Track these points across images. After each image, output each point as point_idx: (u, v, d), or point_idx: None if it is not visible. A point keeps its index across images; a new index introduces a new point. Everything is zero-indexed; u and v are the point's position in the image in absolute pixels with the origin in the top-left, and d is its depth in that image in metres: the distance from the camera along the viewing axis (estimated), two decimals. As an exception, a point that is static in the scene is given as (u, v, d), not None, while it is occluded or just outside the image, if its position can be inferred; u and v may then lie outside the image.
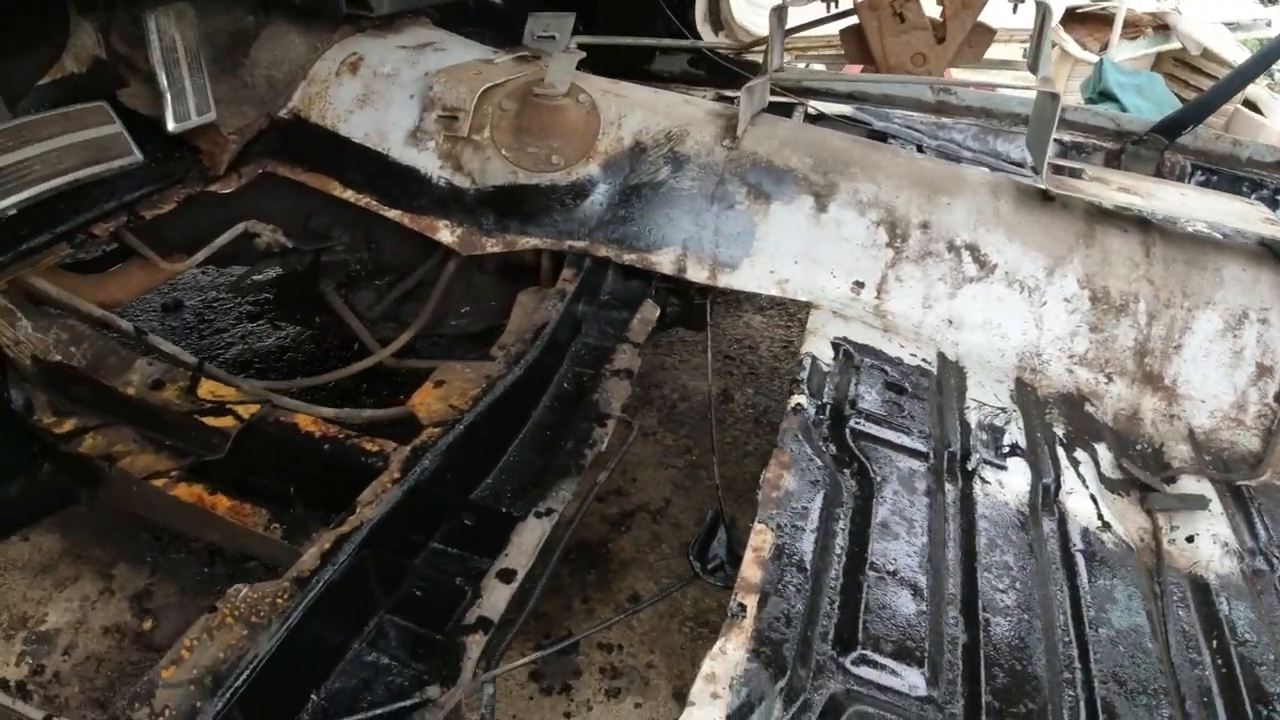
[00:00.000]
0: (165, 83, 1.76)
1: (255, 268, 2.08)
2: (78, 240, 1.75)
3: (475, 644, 1.08)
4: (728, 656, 1.02)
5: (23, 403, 1.65)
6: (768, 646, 1.04)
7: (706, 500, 2.16)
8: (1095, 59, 5.92)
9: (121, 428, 1.55)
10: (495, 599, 1.13)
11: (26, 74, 1.81)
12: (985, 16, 1.92)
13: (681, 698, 1.74)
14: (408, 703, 1.08)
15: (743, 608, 1.07)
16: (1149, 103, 5.38)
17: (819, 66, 2.97)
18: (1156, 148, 2.42)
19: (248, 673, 1.06)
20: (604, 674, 1.78)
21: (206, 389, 1.53)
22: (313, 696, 1.18)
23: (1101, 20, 6.42)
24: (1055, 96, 1.70)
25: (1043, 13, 1.89)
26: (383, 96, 1.90)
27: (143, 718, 1.00)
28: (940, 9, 1.86)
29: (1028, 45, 1.99)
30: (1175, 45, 6.35)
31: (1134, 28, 6.37)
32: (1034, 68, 1.88)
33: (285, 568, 1.19)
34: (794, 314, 2.95)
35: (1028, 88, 1.87)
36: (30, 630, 1.89)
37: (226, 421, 1.47)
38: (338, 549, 1.18)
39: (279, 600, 1.13)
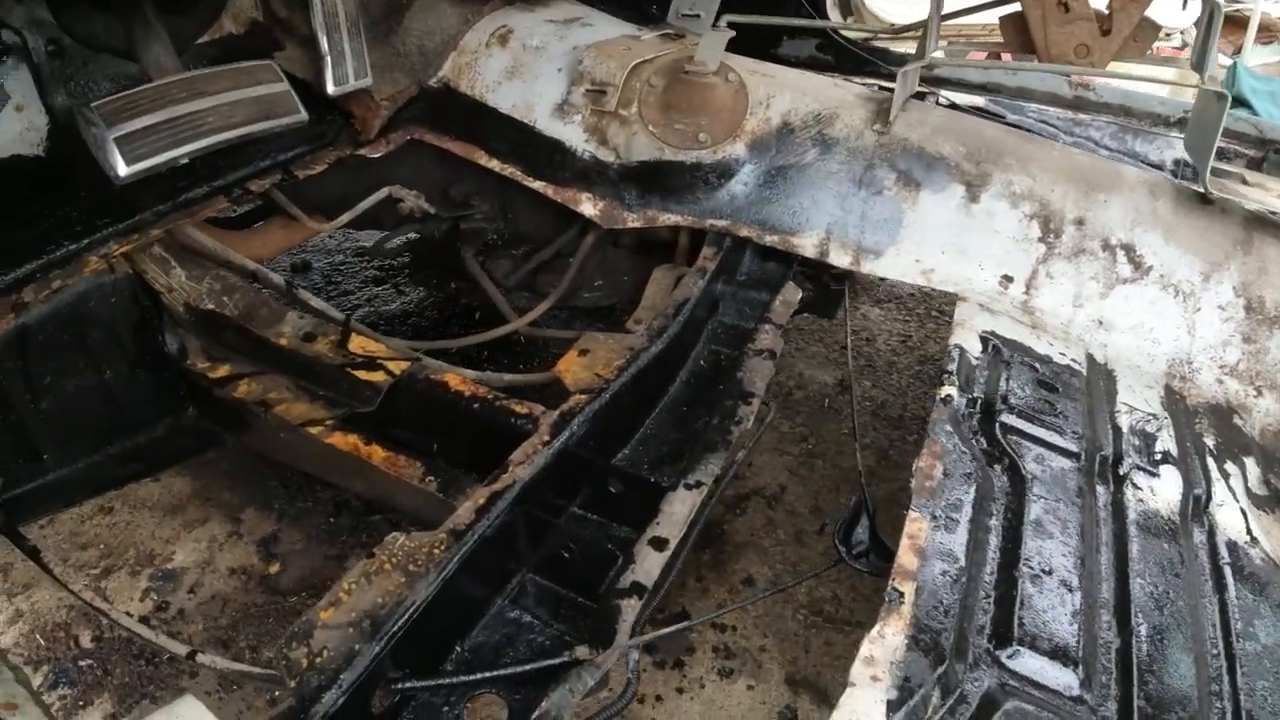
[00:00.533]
0: (326, 46, 1.81)
1: (393, 232, 2.13)
2: (235, 195, 1.81)
3: (630, 608, 1.09)
4: (886, 641, 1.01)
5: (177, 347, 1.72)
6: (925, 635, 1.03)
7: (821, 490, 2.14)
8: (1228, 62, 5.65)
9: (275, 376, 1.61)
10: (649, 565, 1.14)
11: (187, 32, 1.89)
12: (1152, 12, 1.85)
13: (795, 683, 1.74)
14: (556, 661, 1.09)
15: (900, 594, 1.06)
16: (1283, 110, 5.11)
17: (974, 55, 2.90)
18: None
19: (404, 619, 1.09)
20: (717, 653, 1.78)
21: (357, 344, 1.58)
22: (457, 648, 1.21)
23: (1235, 23, 6.12)
24: (1223, 96, 1.63)
25: (1210, 10, 1.81)
26: (531, 69, 1.92)
27: (300, 658, 1.02)
28: (1107, 1, 1.80)
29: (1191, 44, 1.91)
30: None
31: (1268, 32, 6.06)
32: (1199, 66, 1.80)
33: (425, 523, 1.22)
34: (912, 309, 2.90)
35: (1193, 86, 1.80)
36: (157, 568, 1.96)
37: (377, 376, 1.51)
38: (492, 505, 1.21)
39: (436, 551, 1.16)
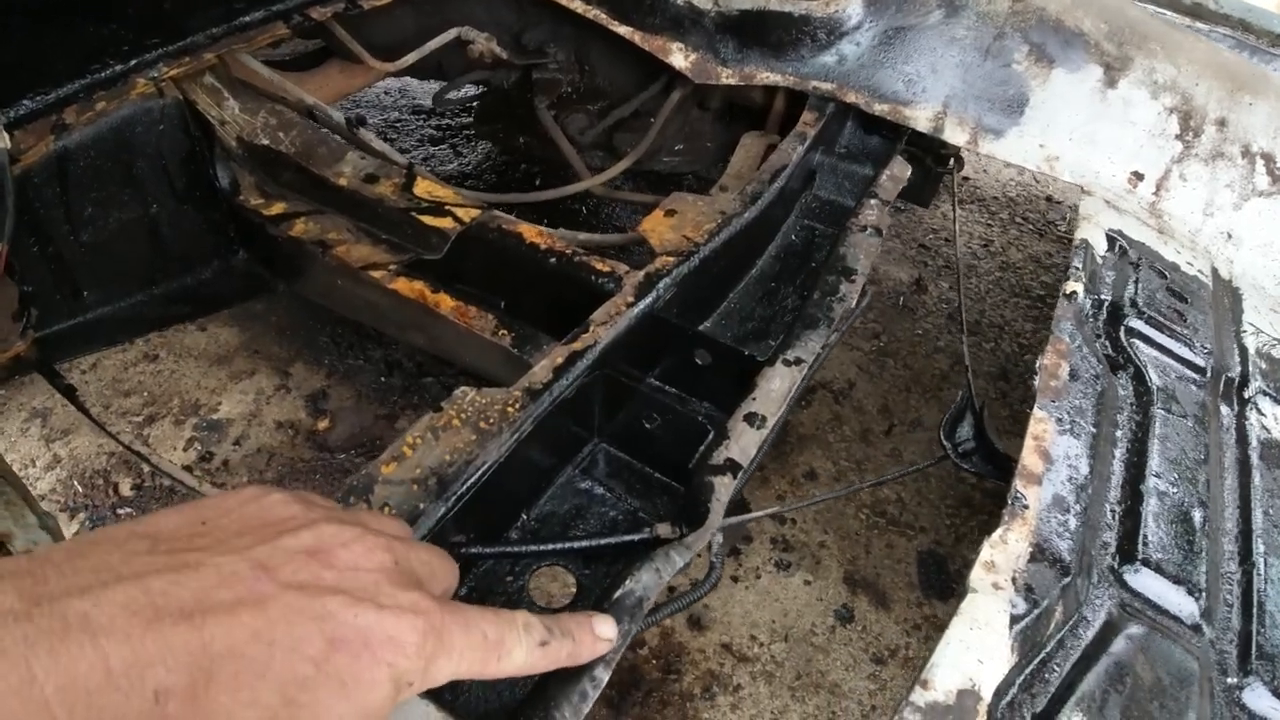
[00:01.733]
0: None
1: (457, 80, 1.97)
2: (295, 21, 1.66)
3: (724, 485, 1.00)
4: (1009, 547, 0.92)
5: (229, 182, 1.61)
6: (1049, 545, 0.93)
7: (891, 389, 2.04)
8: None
9: (335, 216, 1.49)
10: (745, 443, 1.05)
11: None
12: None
13: (853, 582, 1.67)
14: (637, 537, 1.01)
15: (1024, 498, 0.96)
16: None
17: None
18: None
19: (475, 480, 1.00)
20: (775, 545, 1.72)
21: (423, 188, 1.45)
22: (524, 515, 1.14)
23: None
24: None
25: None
26: (624, -100, 1.73)
27: (358, 513, 0.95)
28: None
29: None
30: None
31: None
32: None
33: (493, 381, 1.12)
34: (994, 212, 2.73)
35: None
36: (202, 418, 1.90)
37: (445, 222, 1.39)
38: (571, 364, 1.11)
39: (510, 409, 1.07)
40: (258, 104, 1.60)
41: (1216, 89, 1.54)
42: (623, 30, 1.69)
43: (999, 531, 0.93)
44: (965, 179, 2.78)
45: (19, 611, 0.36)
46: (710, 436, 1.08)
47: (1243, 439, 1.21)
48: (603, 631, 0.65)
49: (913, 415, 1.96)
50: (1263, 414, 1.26)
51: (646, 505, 1.16)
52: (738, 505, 1.76)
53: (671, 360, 1.28)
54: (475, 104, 2.18)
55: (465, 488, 1.00)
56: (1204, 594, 0.99)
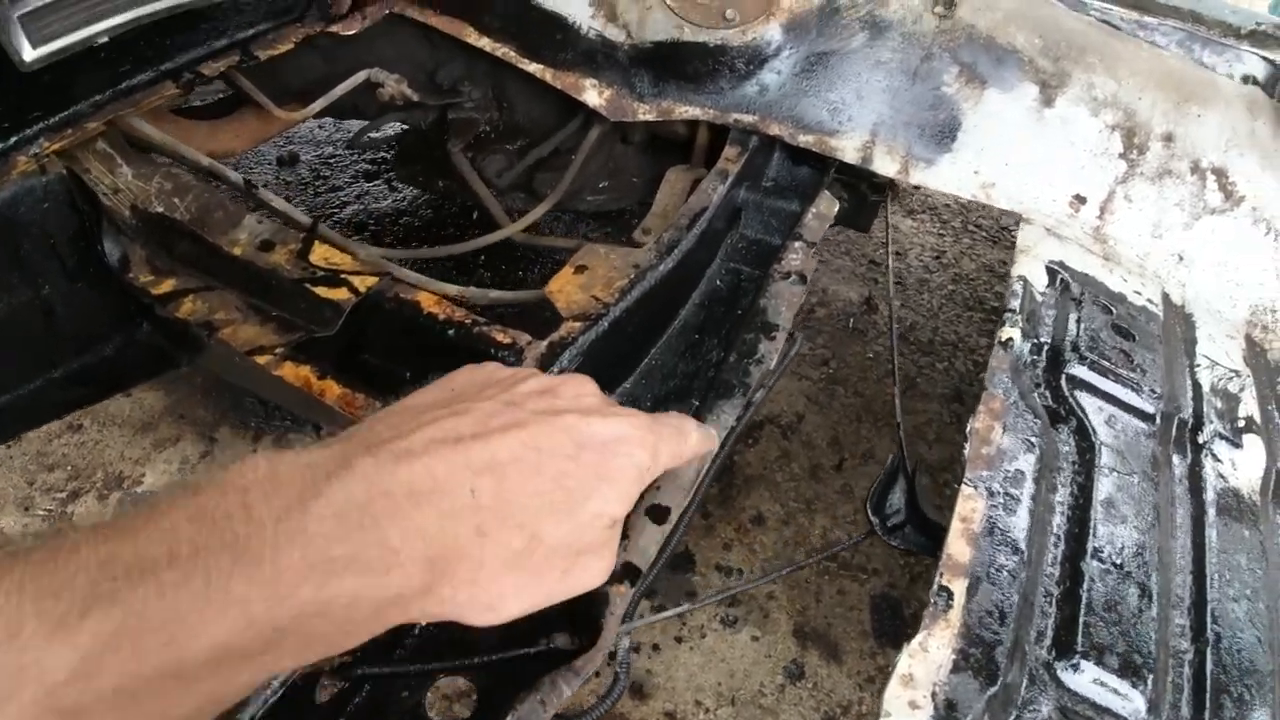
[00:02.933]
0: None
1: (375, 122, 1.88)
2: (185, 80, 1.56)
3: (619, 596, 0.91)
4: (930, 656, 0.83)
5: (119, 257, 1.50)
6: (978, 648, 0.85)
7: (842, 420, 1.95)
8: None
9: (225, 293, 1.40)
10: (645, 542, 0.96)
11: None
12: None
13: (803, 635, 1.59)
14: (533, 649, 0.92)
15: (949, 594, 0.87)
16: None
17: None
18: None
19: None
20: (721, 600, 1.63)
21: (320, 254, 1.36)
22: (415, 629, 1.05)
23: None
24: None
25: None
26: (530, -72, 1.63)
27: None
28: None
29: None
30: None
31: None
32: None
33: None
34: (947, 220, 2.65)
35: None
36: (126, 491, 1.83)
37: (340, 293, 1.30)
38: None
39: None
40: (152, 169, 1.50)
41: (1161, 101, 1.46)
42: (533, 68, 1.59)
43: (919, 638, 0.84)
44: (916, 187, 2.68)
45: (363, 452, 0.52)
46: (610, 534, 0.98)
47: (1196, 491, 1.12)
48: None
49: (864, 447, 1.87)
50: (1219, 459, 1.17)
51: (555, 605, 1.07)
52: (681, 557, 1.68)
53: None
54: (394, 146, 2.08)
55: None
56: (1151, 683, 0.90)
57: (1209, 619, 0.98)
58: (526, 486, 0.56)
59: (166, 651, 0.41)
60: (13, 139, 1.36)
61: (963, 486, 0.97)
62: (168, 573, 0.42)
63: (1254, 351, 1.38)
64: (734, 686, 1.51)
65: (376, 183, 2.59)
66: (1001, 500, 0.98)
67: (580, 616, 0.94)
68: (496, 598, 0.58)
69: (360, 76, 1.74)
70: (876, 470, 1.84)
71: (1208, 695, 0.91)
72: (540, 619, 1.01)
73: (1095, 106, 1.42)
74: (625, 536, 0.97)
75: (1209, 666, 0.94)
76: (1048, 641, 0.91)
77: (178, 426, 1.94)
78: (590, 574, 0.66)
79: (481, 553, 0.54)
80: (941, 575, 0.89)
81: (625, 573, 0.94)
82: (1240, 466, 1.16)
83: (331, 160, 2.71)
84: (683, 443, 0.72)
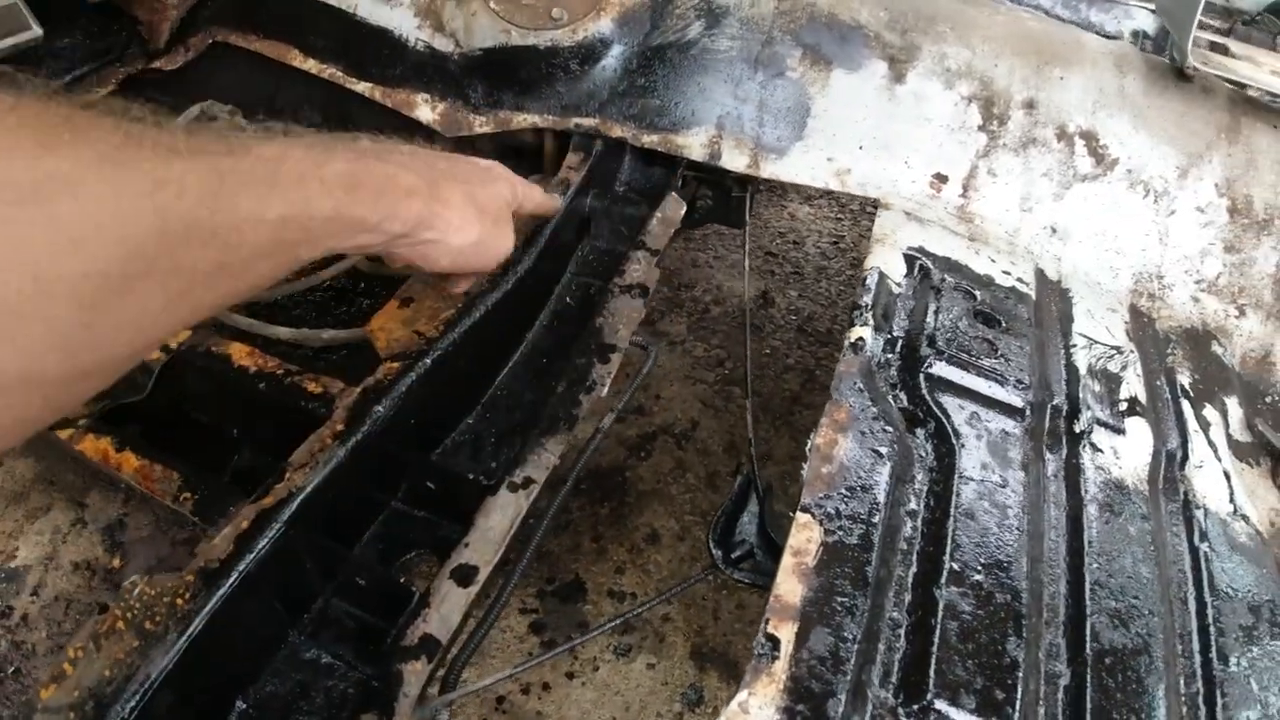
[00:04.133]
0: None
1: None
2: None
3: (414, 674, 0.82)
4: (750, 718, 0.74)
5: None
6: (807, 703, 0.76)
7: (739, 423, 1.87)
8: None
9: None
10: (447, 609, 0.87)
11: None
12: None
13: (701, 656, 1.51)
14: (338, 736, 0.83)
15: (775, 643, 0.78)
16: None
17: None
18: (1271, 30, 1.96)
19: (138, 697, 0.82)
20: (614, 628, 1.54)
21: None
22: (239, 704, 0.95)
23: None
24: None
25: None
26: (349, -63, 1.52)
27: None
28: None
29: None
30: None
31: None
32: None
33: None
34: (845, 204, 2.57)
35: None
36: (0, 567, 1.74)
37: (152, 354, 1.19)
38: (259, 530, 0.91)
39: (179, 601, 0.88)
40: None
41: (1020, 67, 1.38)
42: (361, 87, 1.49)
43: (739, 698, 0.75)
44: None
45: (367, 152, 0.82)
46: (413, 602, 0.89)
47: (1073, 489, 1.05)
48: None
49: (762, 449, 1.79)
50: (1099, 449, 1.09)
51: (381, 669, 0.97)
52: (571, 585, 1.58)
53: (409, 485, 1.10)
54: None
55: (129, 710, 0.82)
56: (1018, 718, 0.82)
57: (1088, 635, 0.90)
58: (453, 190, 0.90)
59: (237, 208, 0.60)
60: None
61: (798, 514, 0.89)
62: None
63: (1139, 324, 1.31)
64: (629, 720, 1.42)
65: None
66: (842, 524, 0.90)
67: (380, 695, 0.85)
68: (460, 219, 0.90)
69: (194, 110, 1.62)
70: (775, 472, 1.77)
71: (1087, 722, 0.83)
72: (346, 699, 0.93)
73: (949, 78, 1.35)
74: (426, 605, 0.88)
75: (1089, 691, 0.86)
76: (894, 683, 0.83)
77: (48, 494, 1.84)
78: (505, 237, 1.02)
79: (452, 191, 0.89)
80: (767, 621, 0.80)
81: (423, 646, 0.84)
82: (1124, 454, 1.09)
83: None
84: (533, 191, 1.11)
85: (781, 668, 0.77)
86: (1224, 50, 1.51)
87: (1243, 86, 1.41)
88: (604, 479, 1.75)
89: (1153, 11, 1.67)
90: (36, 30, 1.34)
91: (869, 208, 2.57)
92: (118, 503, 1.81)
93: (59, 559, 1.74)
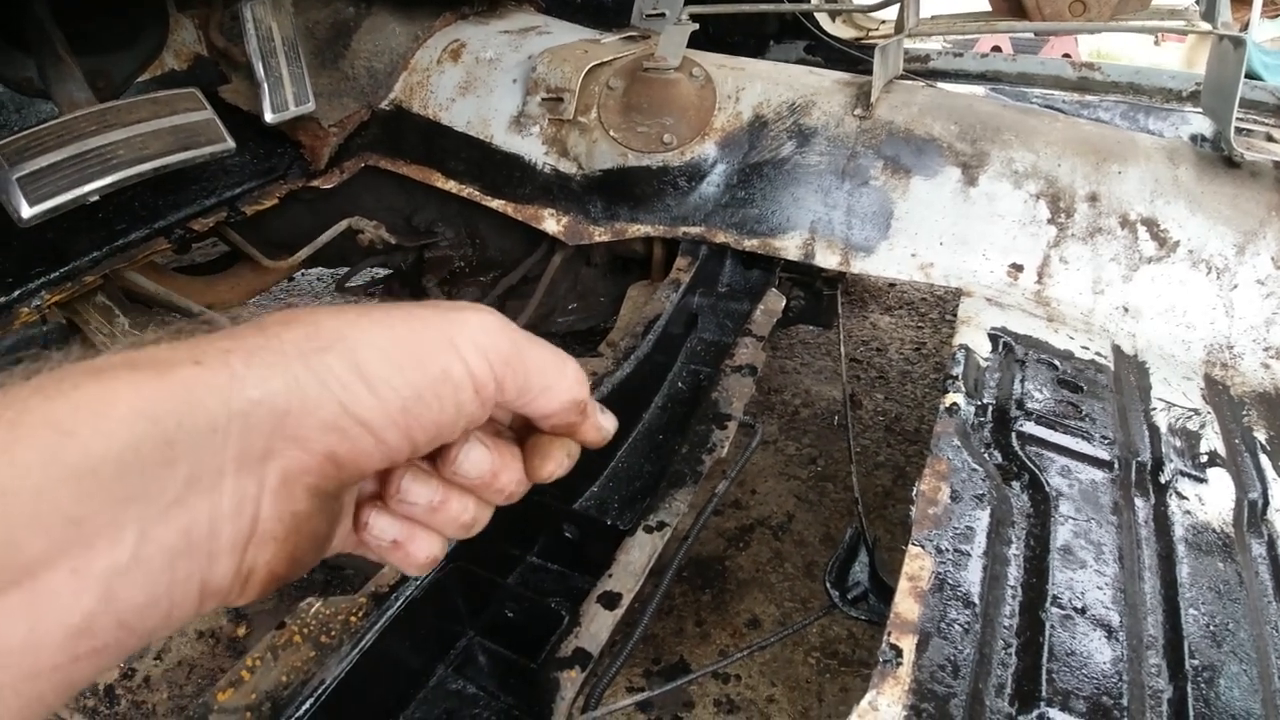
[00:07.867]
0: (262, 73, 1.69)
1: (357, 267, 1.99)
2: (176, 236, 1.69)
3: (570, 681, 0.92)
4: (880, 715, 0.82)
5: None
6: (930, 702, 0.84)
7: (833, 516, 1.95)
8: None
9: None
10: (596, 628, 0.97)
11: (127, 70, 1.78)
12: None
13: (808, 738, 1.54)
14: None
15: (898, 652, 0.87)
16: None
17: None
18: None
19: (312, 700, 0.93)
20: (719, 707, 1.59)
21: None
22: (394, 728, 1.05)
23: (1239, -1, 5.84)
24: (1240, 41, 1.45)
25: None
26: (484, 82, 1.78)
27: (193, 746, 0.87)
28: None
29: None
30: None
31: (1272, 6, 5.77)
32: (1209, 15, 1.62)
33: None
34: (924, 313, 2.71)
35: (1203, 32, 1.62)
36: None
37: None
38: (424, 564, 1.04)
39: (353, 619, 1.01)
40: (148, 317, 1.61)
41: (1081, 165, 1.53)
42: (495, 204, 1.71)
43: (868, 697, 0.83)
44: (891, 285, 2.78)
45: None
46: (564, 623, 1.00)
47: (1163, 531, 1.12)
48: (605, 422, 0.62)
49: (861, 538, 1.86)
50: (1184, 497, 1.17)
51: (522, 701, 1.07)
52: (676, 667, 1.65)
53: (546, 537, 1.22)
54: (378, 288, 2.20)
55: (303, 711, 0.93)
56: (1127, 725, 0.88)
57: (1186, 655, 0.97)
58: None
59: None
60: (16, 292, 1.46)
61: (910, 546, 0.98)
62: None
63: (1214, 390, 1.39)
64: (741, 797, 1.46)
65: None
66: (951, 557, 0.99)
67: (534, 703, 0.95)
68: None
69: (341, 225, 1.87)
70: (887, 562, 1.83)
71: (1190, 734, 0.89)
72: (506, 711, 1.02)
73: (1017, 179, 1.50)
74: (577, 624, 0.98)
75: (1190, 703, 0.92)
76: (1009, 692, 0.90)
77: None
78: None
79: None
80: (889, 634, 0.89)
81: (576, 658, 0.94)
82: (1208, 500, 1.16)
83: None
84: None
85: (905, 672, 0.86)
86: (1268, 138, 1.64)
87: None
88: (705, 568, 1.83)
89: (1200, 113, 1.81)
90: (230, 143, 1.57)
91: (948, 315, 2.70)
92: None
93: (185, 627, 1.85)
